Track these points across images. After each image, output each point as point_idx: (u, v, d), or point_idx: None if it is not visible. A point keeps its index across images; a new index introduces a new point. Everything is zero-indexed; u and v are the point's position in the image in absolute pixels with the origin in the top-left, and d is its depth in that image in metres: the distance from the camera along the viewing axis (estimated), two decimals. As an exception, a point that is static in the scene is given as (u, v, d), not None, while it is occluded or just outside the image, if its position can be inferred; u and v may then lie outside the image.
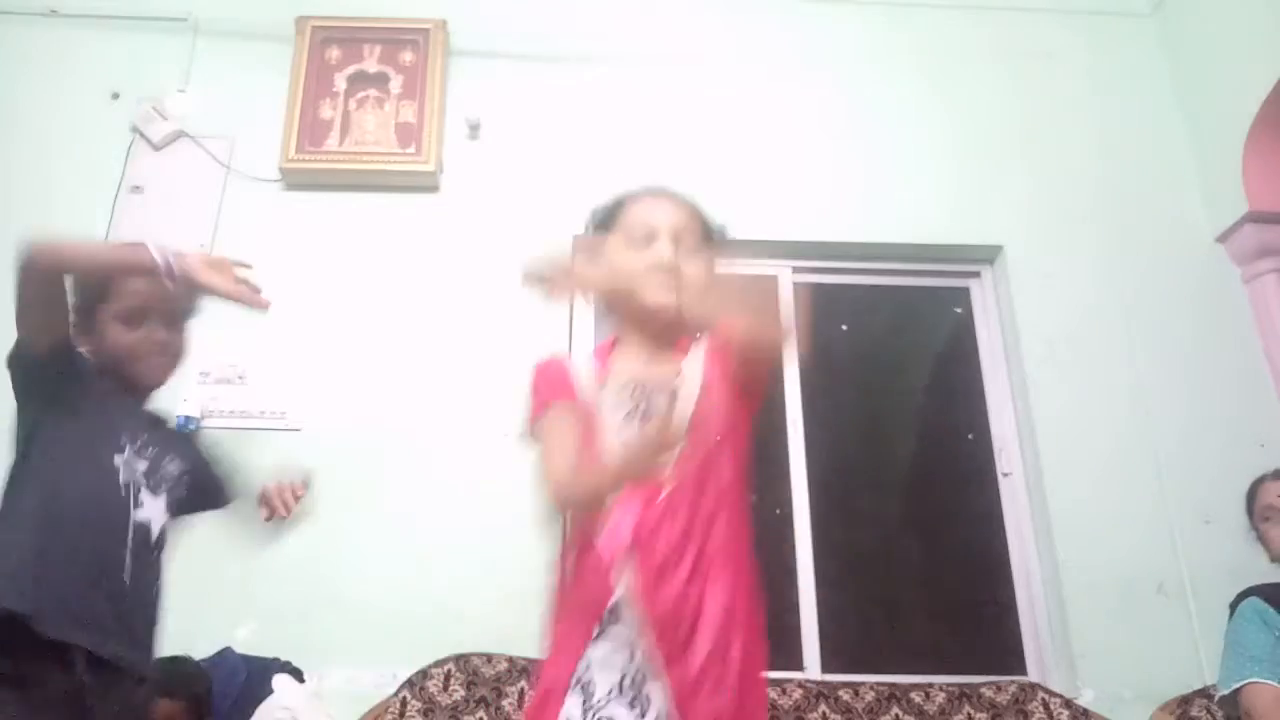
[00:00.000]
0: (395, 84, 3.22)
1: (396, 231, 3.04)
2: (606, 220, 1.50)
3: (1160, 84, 3.44)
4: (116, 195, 3.03)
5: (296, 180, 3.07)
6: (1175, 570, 2.75)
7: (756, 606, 1.34)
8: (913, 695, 2.52)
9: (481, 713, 2.38)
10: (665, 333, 1.44)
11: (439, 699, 2.38)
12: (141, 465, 1.53)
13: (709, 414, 1.38)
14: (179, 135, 3.13)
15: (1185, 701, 2.50)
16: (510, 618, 2.58)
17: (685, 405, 1.37)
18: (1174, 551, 2.77)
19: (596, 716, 1.26)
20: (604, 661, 1.29)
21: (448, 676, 2.42)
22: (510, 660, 2.46)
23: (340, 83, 3.21)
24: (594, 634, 1.31)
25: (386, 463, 2.72)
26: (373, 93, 3.21)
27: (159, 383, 1.61)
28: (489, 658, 2.47)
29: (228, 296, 1.45)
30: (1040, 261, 3.14)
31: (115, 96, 3.18)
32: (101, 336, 1.54)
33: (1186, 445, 2.88)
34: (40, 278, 1.41)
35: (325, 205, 3.04)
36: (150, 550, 1.51)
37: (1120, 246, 3.15)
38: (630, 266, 1.42)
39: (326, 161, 3.09)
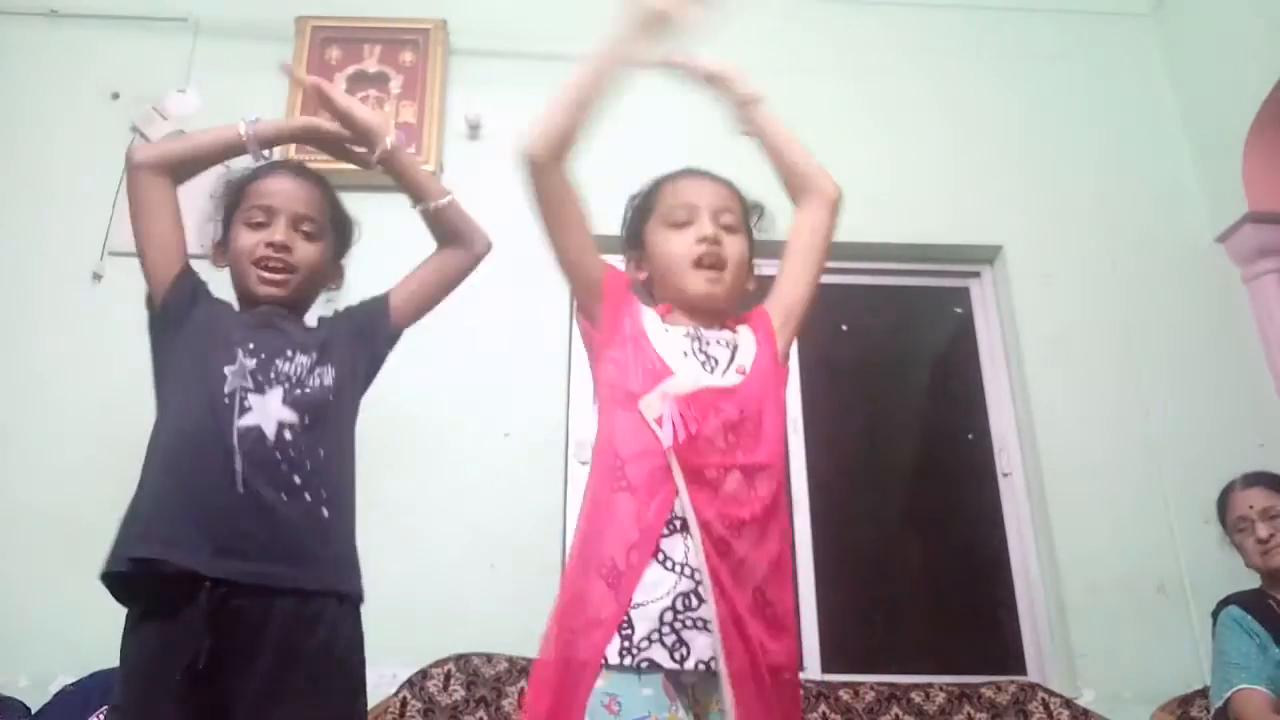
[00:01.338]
0: (395, 84, 3.22)
1: (396, 232, 3.03)
2: (644, 205, 1.51)
3: (1160, 84, 3.44)
4: (116, 195, 3.02)
5: (296, 180, 3.08)
6: (1175, 570, 2.75)
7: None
8: (913, 695, 2.52)
9: (481, 713, 2.38)
10: (708, 320, 1.44)
11: (439, 699, 2.39)
12: (251, 364, 1.41)
13: (766, 365, 1.37)
14: (179, 135, 3.12)
15: (1185, 701, 2.50)
16: (510, 618, 2.58)
17: (745, 352, 1.38)
18: (1174, 551, 2.77)
19: (638, 661, 1.19)
20: (649, 587, 1.22)
21: (448, 676, 2.42)
22: (510, 660, 2.46)
23: (340, 83, 3.20)
24: (654, 547, 1.22)
25: (386, 462, 2.71)
26: (373, 93, 3.21)
27: (275, 295, 1.50)
28: (489, 658, 2.47)
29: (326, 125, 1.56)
30: (1040, 261, 3.14)
31: (115, 96, 3.17)
32: (231, 245, 1.52)
33: (1186, 445, 2.88)
34: (139, 181, 1.43)
35: (325, 205, 3.04)
36: (272, 450, 1.37)
37: (1120, 246, 3.15)
38: (672, 250, 1.43)
39: (326, 161, 3.07)
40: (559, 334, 2.97)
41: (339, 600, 1.38)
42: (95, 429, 2.68)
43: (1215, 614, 2.15)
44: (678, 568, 1.22)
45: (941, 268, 3.27)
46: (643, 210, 1.52)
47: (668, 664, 1.19)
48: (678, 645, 1.19)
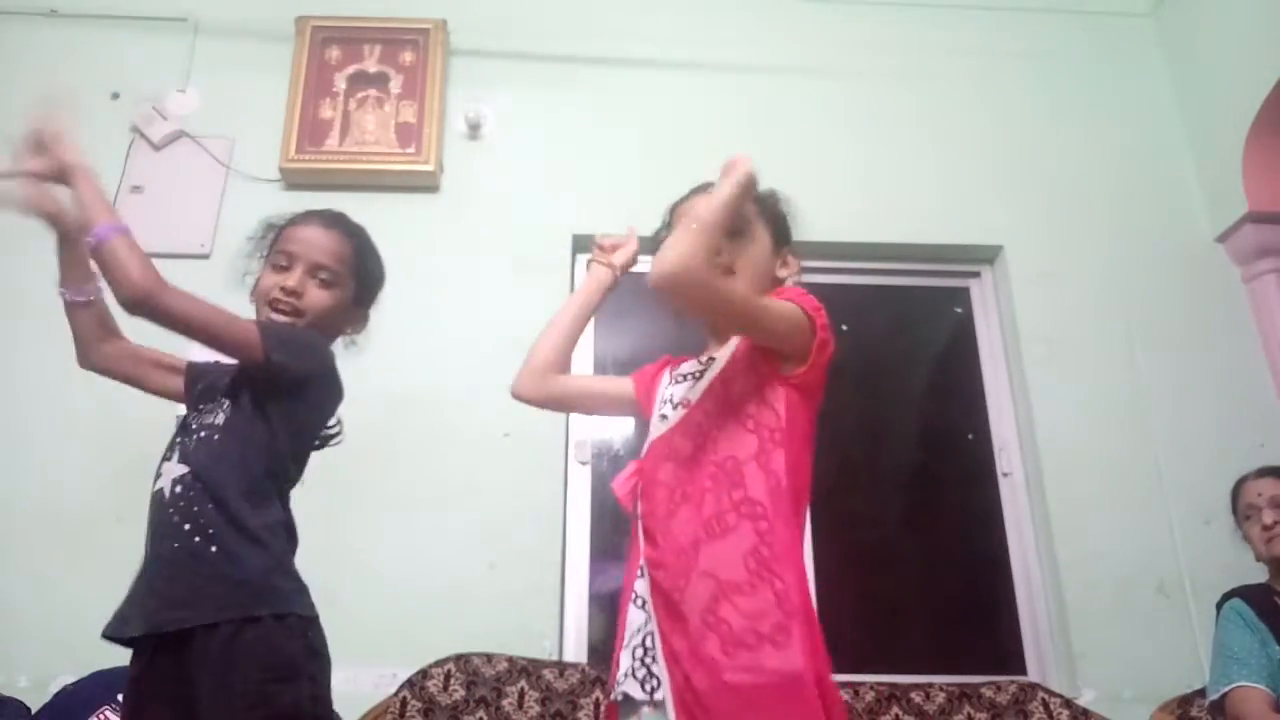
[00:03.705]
0: (395, 84, 3.22)
1: (396, 231, 3.02)
2: (665, 231, 1.54)
3: (1160, 84, 3.45)
4: (116, 195, 3.02)
5: (296, 180, 3.07)
6: (1175, 570, 2.75)
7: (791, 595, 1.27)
8: (913, 695, 2.52)
9: (481, 713, 2.38)
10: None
11: (439, 699, 2.39)
12: (176, 432, 1.56)
13: (729, 379, 1.40)
14: (179, 135, 3.13)
15: (1185, 701, 2.50)
16: (510, 618, 2.59)
17: (714, 368, 1.43)
18: (1174, 551, 2.77)
19: (619, 693, 1.32)
20: (629, 626, 1.34)
21: (448, 676, 2.42)
22: (510, 660, 2.46)
23: (340, 83, 3.21)
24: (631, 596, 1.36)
25: (386, 462, 2.72)
26: (373, 93, 3.21)
27: None
28: (489, 658, 2.47)
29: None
30: (1040, 261, 3.14)
31: (115, 96, 3.18)
32: (258, 284, 1.62)
33: (1186, 445, 2.88)
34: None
35: (325, 205, 2.98)
36: (166, 507, 1.46)
37: (1120, 246, 3.15)
38: None
39: (326, 161, 3.09)
40: (559, 334, 2.96)
41: (248, 623, 1.38)
42: (95, 429, 2.68)
43: (1219, 605, 2.14)
44: (646, 605, 1.32)
45: (941, 268, 3.27)
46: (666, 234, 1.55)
47: (639, 695, 1.27)
48: (648, 678, 1.27)
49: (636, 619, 1.33)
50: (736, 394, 1.38)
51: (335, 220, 1.66)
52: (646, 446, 1.44)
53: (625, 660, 1.32)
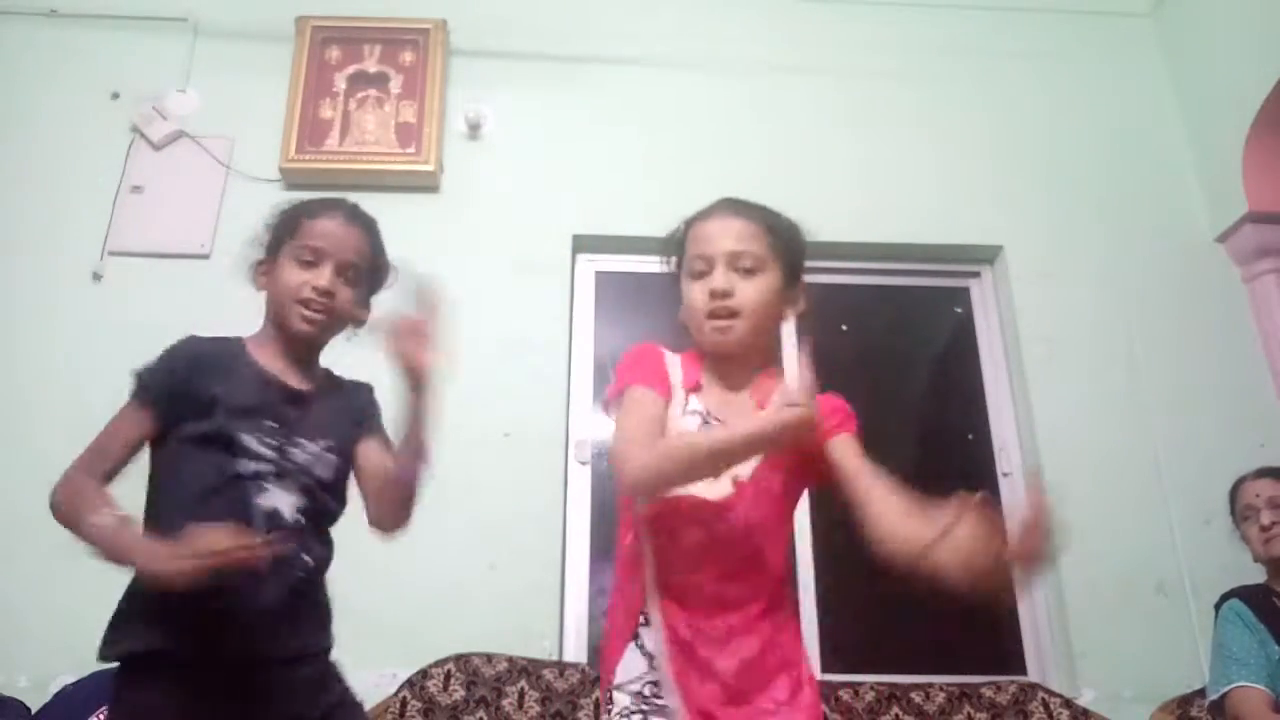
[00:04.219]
0: (395, 84, 3.22)
1: (396, 231, 3.01)
2: (676, 250, 1.49)
3: (1160, 84, 3.45)
4: (116, 195, 3.03)
5: (296, 180, 3.07)
6: (1175, 570, 2.75)
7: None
8: (913, 695, 2.52)
9: (481, 713, 2.38)
10: (737, 365, 1.43)
11: (439, 699, 2.39)
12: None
13: (774, 471, 1.38)
14: (179, 135, 3.13)
15: (1185, 701, 2.50)
16: (510, 618, 2.59)
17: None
18: (1174, 551, 2.77)
19: None
20: (630, 668, 1.34)
21: (448, 676, 2.42)
22: (510, 660, 2.46)
23: (340, 83, 3.21)
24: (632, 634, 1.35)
25: (386, 463, 2.72)
26: (373, 93, 3.21)
27: (309, 333, 1.54)
28: (489, 658, 2.47)
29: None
30: (1040, 261, 3.14)
31: (115, 96, 3.18)
32: (276, 274, 1.55)
33: (1186, 445, 2.88)
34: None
35: (325, 205, 3.04)
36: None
37: (1120, 246, 3.15)
38: (689, 301, 1.42)
39: (326, 161, 3.09)
40: (559, 334, 2.97)
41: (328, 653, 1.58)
42: (95, 429, 2.67)
43: (1218, 606, 2.14)
44: (648, 657, 1.32)
45: (941, 268, 3.27)
46: (676, 255, 1.50)
47: None
48: None
49: (638, 665, 1.36)
50: (780, 492, 1.43)
51: (355, 214, 1.63)
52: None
53: (621, 699, 1.35)
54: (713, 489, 1.32)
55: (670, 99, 3.30)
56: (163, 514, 1.41)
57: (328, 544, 1.57)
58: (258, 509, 1.41)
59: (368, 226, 1.64)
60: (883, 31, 3.45)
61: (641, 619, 1.34)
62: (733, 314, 1.38)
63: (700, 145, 3.19)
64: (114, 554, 1.33)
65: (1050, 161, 3.28)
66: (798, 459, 1.37)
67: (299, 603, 1.46)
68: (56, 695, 2.27)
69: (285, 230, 1.57)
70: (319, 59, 3.23)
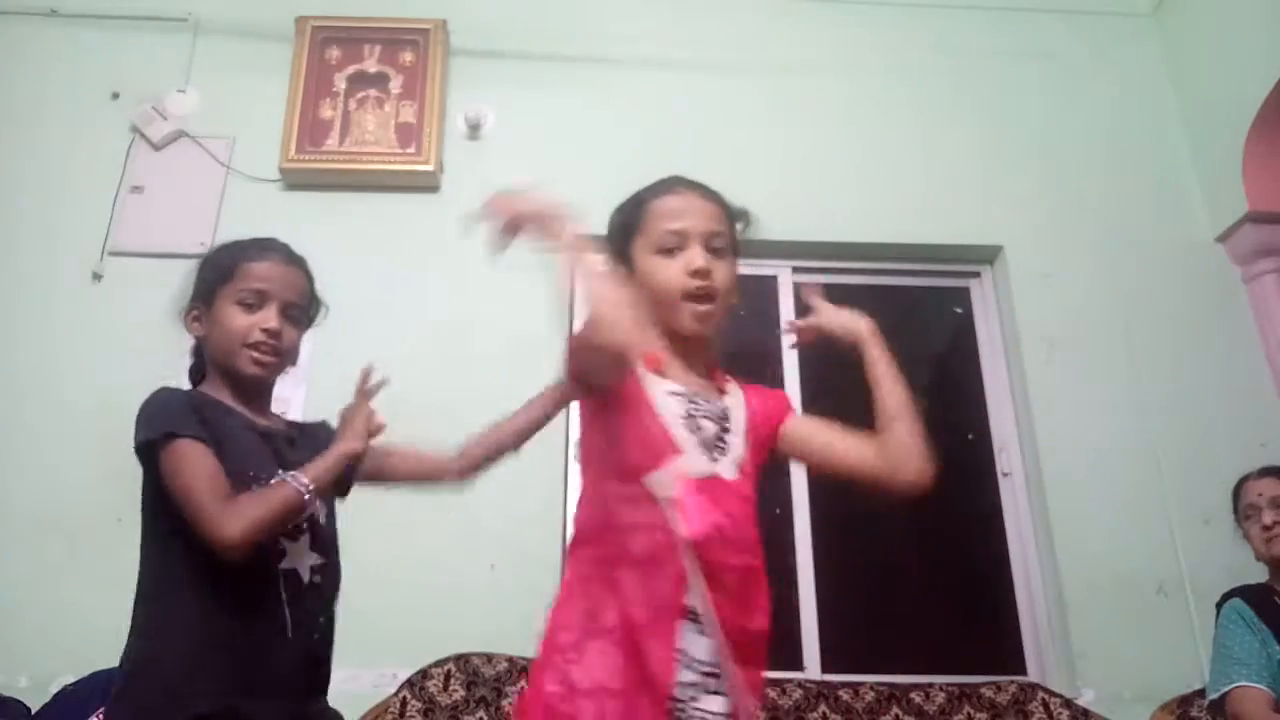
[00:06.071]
0: (395, 84, 3.22)
1: (396, 231, 3.04)
2: (628, 222, 1.40)
3: (1160, 84, 3.45)
4: (116, 195, 3.03)
5: (296, 180, 3.07)
6: (1175, 570, 2.75)
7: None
8: (913, 695, 2.52)
9: (481, 713, 2.38)
10: (699, 349, 1.36)
11: (439, 699, 2.39)
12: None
13: (758, 431, 1.35)
14: (179, 135, 3.13)
15: (1185, 701, 2.51)
16: (510, 618, 2.58)
17: (738, 421, 1.34)
18: (1174, 551, 2.77)
19: None
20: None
21: (448, 676, 2.42)
22: (510, 660, 2.46)
23: (340, 83, 3.21)
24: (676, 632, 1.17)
25: (386, 463, 2.72)
26: (373, 93, 3.21)
27: (261, 376, 1.53)
28: (489, 658, 2.47)
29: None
30: (1040, 261, 3.14)
31: (115, 96, 3.18)
32: (216, 319, 1.51)
33: (1186, 445, 2.88)
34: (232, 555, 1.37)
35: (325, 205, 3.04)
36: (305, 593, 1.57)
37: (1120, 246, 3.15)
38: (662, 279, 1.31)
39: (326, 161, 3.09)
40: (559, 334, 2.96)
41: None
42: (95, 429, 2.67)
43: (1219, 605, 2.14)
44: (695, 666, 1.17)
45: (941, 268, 3.28)
46: (627, 227, 1.39)
47: None
48: None
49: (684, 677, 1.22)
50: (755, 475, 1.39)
51: (291, 254, 1.62)
52: (699, 474, 1.25)
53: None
54: (724, 468, 1.27)
55: (670, 99, 3.30)
56: (188, 577, 1.37)
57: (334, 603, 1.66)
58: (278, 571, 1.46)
59: (303, 266, 1.63)
60: (883, 31, 3.45)
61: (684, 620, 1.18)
62: (714, 295, 1.31)
63: (700, 145, 3.18)
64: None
65: (1050, 161, 3.28)
66: (763, 438, 1.37)
67: (320, 662, 1.57)
68: (56, 695, 2.28)
69: (220, 274, 1.53)
70: (319, 59, 3.23)
